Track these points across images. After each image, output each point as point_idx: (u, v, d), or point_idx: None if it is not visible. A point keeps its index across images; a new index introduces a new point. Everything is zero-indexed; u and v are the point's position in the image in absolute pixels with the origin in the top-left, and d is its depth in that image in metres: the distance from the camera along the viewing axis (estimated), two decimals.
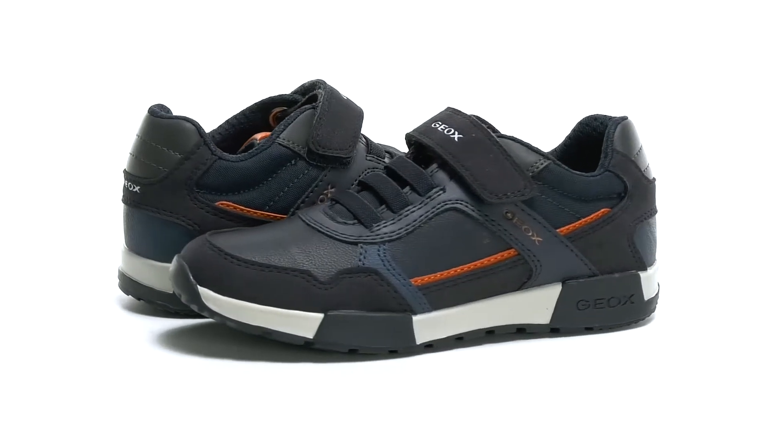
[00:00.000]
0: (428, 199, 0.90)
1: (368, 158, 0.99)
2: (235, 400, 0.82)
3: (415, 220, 0.90)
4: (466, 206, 0.90)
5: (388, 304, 0.89)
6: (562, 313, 0.93)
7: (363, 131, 1.00)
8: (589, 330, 0.94)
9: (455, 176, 0.91)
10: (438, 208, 0.90)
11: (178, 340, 0.92)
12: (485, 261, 0.90)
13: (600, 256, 0.93)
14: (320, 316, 0.87)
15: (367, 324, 0.88)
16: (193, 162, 0.95)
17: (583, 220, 0.92)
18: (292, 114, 0.98)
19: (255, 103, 1.02)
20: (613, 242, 0.93)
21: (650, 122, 1.42)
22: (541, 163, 0.91)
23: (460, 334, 0.91)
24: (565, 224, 0.91)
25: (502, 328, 0.92)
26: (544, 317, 0.92)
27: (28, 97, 1.51)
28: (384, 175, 0.93)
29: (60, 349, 0.91)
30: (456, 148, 0.91)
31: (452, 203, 0.90)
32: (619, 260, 0.94)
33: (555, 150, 0.98)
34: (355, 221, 0.90)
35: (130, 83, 1.50)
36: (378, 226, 0.90)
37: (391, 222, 0.90)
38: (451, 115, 0.94)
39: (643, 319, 0.96)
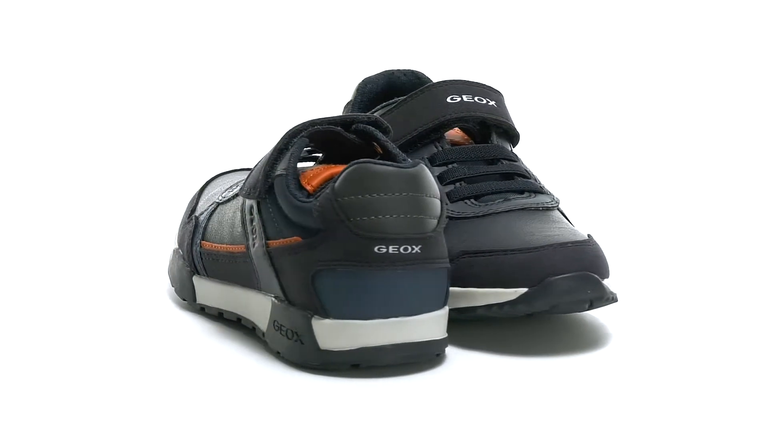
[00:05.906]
0: None
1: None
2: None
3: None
4: None
5: (185, 257, 1.02)
6: (268, 327, 0.92)
7: None
8: (278, 354, 0.91)
9: None
10: None
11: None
12: (233, 248, 0.96)
13: (286, 282, 0.89)
14: (173, 248, 1.06)
15: (174, 268, 1.05)
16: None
17: (281, 240, 0.90)
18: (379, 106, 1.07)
19: None
20: (295, 274, 0.88)
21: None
22: (280, 173, 0.90)
23: (219, 309, 0.99)
24: (272, 239, 0.91)
25: (246, 321, 0.96)
26: (264, 325, 0.93)
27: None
28: None
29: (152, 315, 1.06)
30: None
31: None
32: (299, 295, 0.88)
33: None
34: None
35: None
36: (238, 189, 1.00)
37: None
38: None
39: (321, 367, 0.87)
